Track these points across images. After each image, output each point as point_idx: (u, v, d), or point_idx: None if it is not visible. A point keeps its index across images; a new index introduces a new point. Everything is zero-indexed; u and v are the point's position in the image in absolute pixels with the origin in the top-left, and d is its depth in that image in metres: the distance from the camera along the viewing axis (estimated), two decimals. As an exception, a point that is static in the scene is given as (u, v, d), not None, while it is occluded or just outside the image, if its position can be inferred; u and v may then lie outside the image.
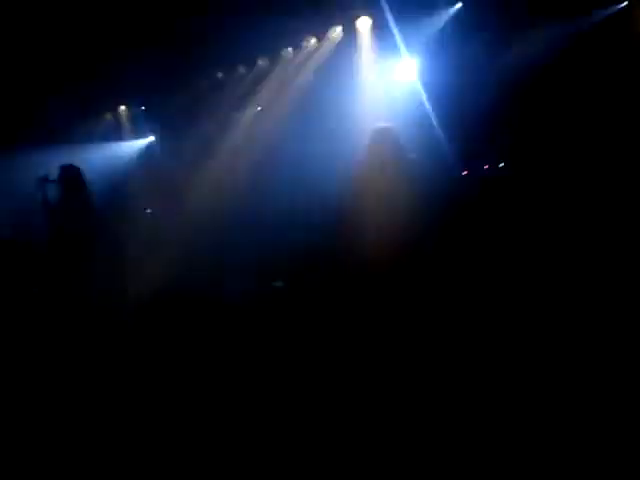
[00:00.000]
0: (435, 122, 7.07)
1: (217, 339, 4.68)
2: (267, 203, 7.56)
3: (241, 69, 8.69)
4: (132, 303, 5.88)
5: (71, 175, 6.98)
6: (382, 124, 5.24)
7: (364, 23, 7.69)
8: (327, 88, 7.74)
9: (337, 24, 7.90)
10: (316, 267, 5.73)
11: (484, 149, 7.16)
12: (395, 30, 7.12)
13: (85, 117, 9.52)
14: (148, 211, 8.49)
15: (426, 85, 7.33)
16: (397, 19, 7.12)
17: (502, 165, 7.02)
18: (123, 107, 9.53)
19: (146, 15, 7.55)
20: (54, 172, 7.10)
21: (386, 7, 7.11)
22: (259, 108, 8.67)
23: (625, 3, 6.62)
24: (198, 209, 7.84)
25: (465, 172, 7.01)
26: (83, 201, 6.79)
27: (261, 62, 8.55)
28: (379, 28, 7.51)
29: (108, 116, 9.66)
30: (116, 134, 9.63)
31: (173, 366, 4.19)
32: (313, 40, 8.15)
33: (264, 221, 7.36)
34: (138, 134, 9.70)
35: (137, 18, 7.57)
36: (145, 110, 9.46)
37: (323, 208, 6.34)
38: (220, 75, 8.87)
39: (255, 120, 8.75)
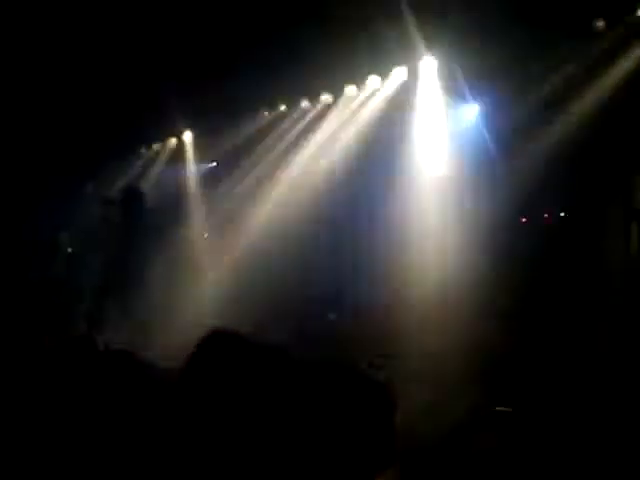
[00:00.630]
0: (499, 170, 6.53)
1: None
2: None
3: (304, 103, 8.45)
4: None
5: (133, 197, 7.23)
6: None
7: (429, 64, 7.24)
8: (388, 131, 7.33)
9: (401, 64, 7.50)
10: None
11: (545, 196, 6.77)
12: (459, 72, 6.65)
13: (150, 140, 9.96)
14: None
15: (491, 131, 6.74)
16: (463, 61, 6.59)
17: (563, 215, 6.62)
18: (188, 132, 9.47)
19: (211, 42, 7.58)
20: (117, 193, 7.41)
21: (453, 48, 6.63)
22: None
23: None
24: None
25: (524, 219, 6.71)
26: (143, 223, 7.03)
27: (325, 97, 8.25)
28: (445, 70, 6.99)
29: (173, 140, 9.74)
30: (180, 158, 9.57)
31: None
32: (376, 79, 7.76)
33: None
34: (202, 159, 9.55)
35: (202, 45, 7.78)
36: (209, 137, 9.23)
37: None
38: (283, 107, 8.67)
39: (310, 163, 8.20)
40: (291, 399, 1.86)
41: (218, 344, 2.11)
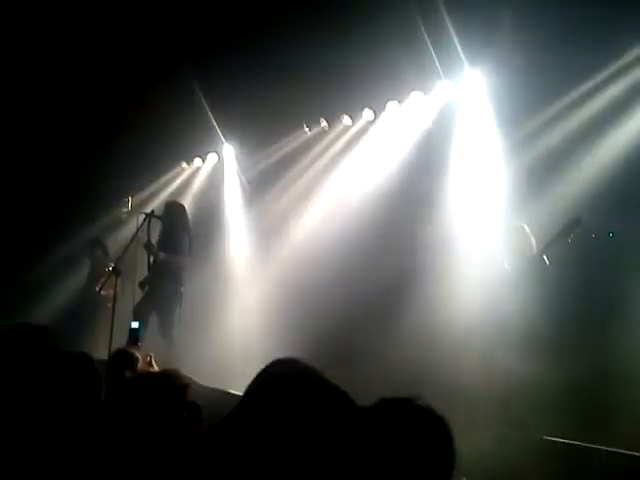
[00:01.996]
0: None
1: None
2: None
3: (346, 119, 8.29)
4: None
5: (174, 212, 7.20)
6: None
7: (474, 79, 6.98)
8: (431, 149, 7.05)
9: (445, 78, 7.19)
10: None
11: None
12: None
13: (191, 155, 9.97)
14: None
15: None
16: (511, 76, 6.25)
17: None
18: (229, 147, 9.39)
19: (252, 57, 7.53)
20: (159, 208, 7.39)
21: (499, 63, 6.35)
22: None
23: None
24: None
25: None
26: (186, 239, 7.00)
27: (366, 113, 8.07)
28: (494, 85, 6.67)
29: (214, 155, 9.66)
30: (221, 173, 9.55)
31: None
32: (419, 94, 7.55)
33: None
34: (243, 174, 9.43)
35: (242, 60, 7.75)
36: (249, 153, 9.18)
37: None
38: (324, 124, 8.55)
39: (352, 180, 7.96)
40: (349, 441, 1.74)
41: (279, 376, 2.01)
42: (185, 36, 7.76)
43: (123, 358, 3.69)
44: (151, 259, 6.88)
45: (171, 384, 2.34)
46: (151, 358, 3.96)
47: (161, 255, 6.84)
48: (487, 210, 6.09)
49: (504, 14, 6.29)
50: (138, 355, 3.79)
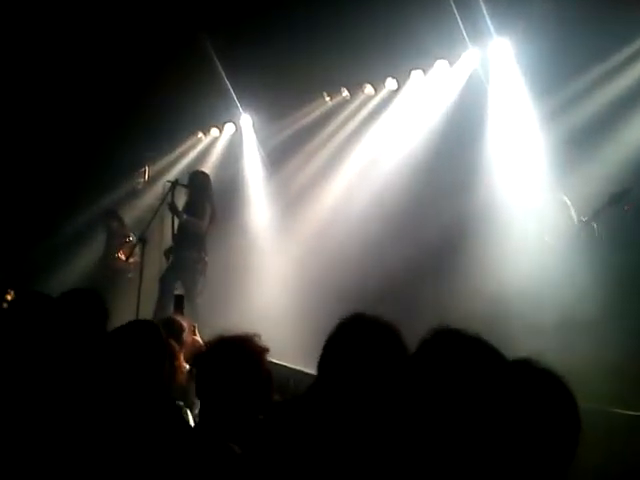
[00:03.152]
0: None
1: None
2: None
3: (368, 89, 8.11)
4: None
5: (199, 181, 7.16)
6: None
7: (502, 47, 6.78)
8: (460, 120, 6.81)
9: (472, 47, 6.99)
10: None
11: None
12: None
13: (208, 125, 9.85)
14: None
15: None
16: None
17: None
18: (247, 116, 9.14)
19: (269, 24, 7.40)
20: (184, 177, 7.33)
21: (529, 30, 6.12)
22: None
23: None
24: None
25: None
26: (210, 207, 6.96)
27: (390, 82, 7.89)
28: (524, 53, 6.47)
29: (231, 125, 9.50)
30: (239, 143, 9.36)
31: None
32: (444, 63, 7.37)
33: None
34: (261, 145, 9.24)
35: (259, 28, 7.54)
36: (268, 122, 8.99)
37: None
38: (345, 94, 8.35)
39: (376, 151, 7.73)
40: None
41: (362, 328, 1.96)
42: (203, 3, 7.61)
43: (171, 326, 3.64)
44: (175, 228, 6.85)
45: (252, 347, 2.28)
46: (194, 327, 3.91)
47: (185, 221, 6.80)
48: (525, 180, 5.99)
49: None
50: (185, 324, 3.75)
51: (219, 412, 2.19)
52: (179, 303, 4.66)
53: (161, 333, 2.56)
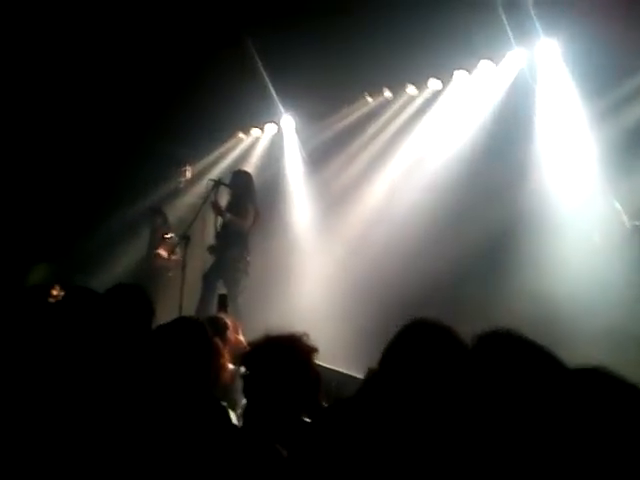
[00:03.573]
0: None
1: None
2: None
3: (410, 89, 8.05)
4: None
5: (242, 180, 7.18)
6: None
7: (549, 47, 6.66)
8: (508, 121, 6.67)
9: (517, 46, 6.86)
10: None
11: None
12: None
13: (249, 125, 9.87)
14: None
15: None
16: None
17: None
18: (288, 116, 9.16)
19: (312, 24, 7.42)
20: (226, 176, 7.36)
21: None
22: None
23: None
24: None
25: None
26: (252, 206, 6.97)
27: (433, 82, 7.83)
28: (573, 53, 6.32)
29: (272, 126, 9.55)
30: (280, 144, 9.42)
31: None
32: (488, 63, 7.29)
33: None
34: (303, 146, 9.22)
35: (302, 27, 7.55)
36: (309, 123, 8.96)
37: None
38: (387, 94, 8.29)
39: (421, 152, 7.61)
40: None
41: (423, 334, 1.93)
42: (246, 3, 7.62)
43: (215, 325, 3.64)
44: (218, 226, 6.88)
45: (301, 347, 2.26)
46: (239, 327, 3.91)
47: (228, 219, 6.82)
48: (575, 182, 5.85)
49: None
50: (229, 322, 3.74)
51: (266, 413, 2.17)
52: (223, 302, 4.67)
53: (207, 331, 2.55)
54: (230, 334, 3.71)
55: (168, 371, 2.42)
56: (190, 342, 2.46)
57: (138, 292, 2.94)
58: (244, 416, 2.40)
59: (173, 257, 7.60)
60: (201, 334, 2.52)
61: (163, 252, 8.32)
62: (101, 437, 2.39)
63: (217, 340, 3.41)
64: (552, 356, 1.64)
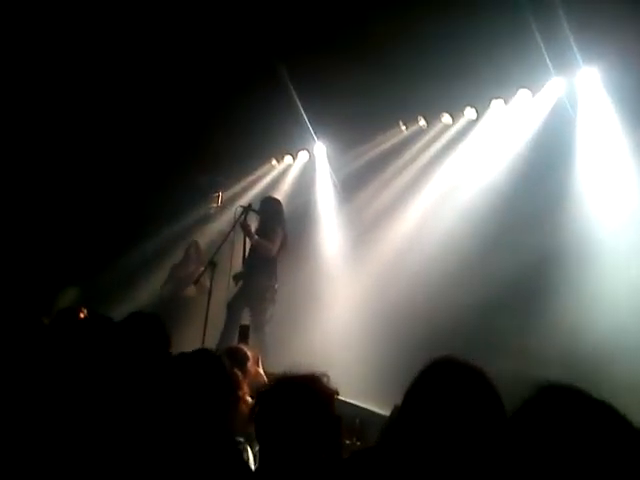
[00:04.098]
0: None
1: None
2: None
3: (446, 118, 7.91)
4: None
5: (271, 206, 7.10)
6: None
7: (590, 75, 6.49)
8: (545, 151, 6.47)
9: (557, 75, 6.75)
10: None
11: None
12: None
13: (281, 153, 9.83)
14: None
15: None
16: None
17: None
18: (321, 144, 9.09)
19: (347, 53, 7.39)
20: (256, 203, 7.29)
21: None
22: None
23: None
24: None
25: None
26: (282, 232, 6.86)
27: (468, 112, 7.69)
28: (615, 81, 6.16)
29: (305, 153, 9.47)
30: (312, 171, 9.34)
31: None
32: (526, 92, 7.13)
33: None
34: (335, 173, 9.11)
35: (336, 57, 7.52)
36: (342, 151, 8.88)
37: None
38: (422, 122, 8.15)
39: (454, 181, 7.47)
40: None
41: (445, 374, 1.76)
42: (280, 31, 7.62)
43: (235, 355, 3.50)
44: (246, 252, 6.78)
45: (320, 390, 2.09)
46: (259, 359, 3.76)
47: (257, 242, 6.71)
48: (618, 214, 5.63)
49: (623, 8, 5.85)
50: (249, 354, 3.60)
51: (280, 458, 2.00)
52: (244, 333, 4.53)
53: (223, 365, 2.40)
54: (250, 366, 3.57)
55: (179, 406, 2.28)
56: (203, 376, 2.32)
57: (153, 321, 2.82)
58: (259, 459, 2.24)
59: (200, 284, 7.51)
60: (216, 368, 2.37)
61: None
62: (105, 463, 2.28)
63: (236, 372, 3.27)
64: (623, 420, 1.41)
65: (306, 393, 2.05)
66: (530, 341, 5.27)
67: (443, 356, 1.80)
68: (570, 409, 1.41)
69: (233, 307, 6.61)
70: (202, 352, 2.47)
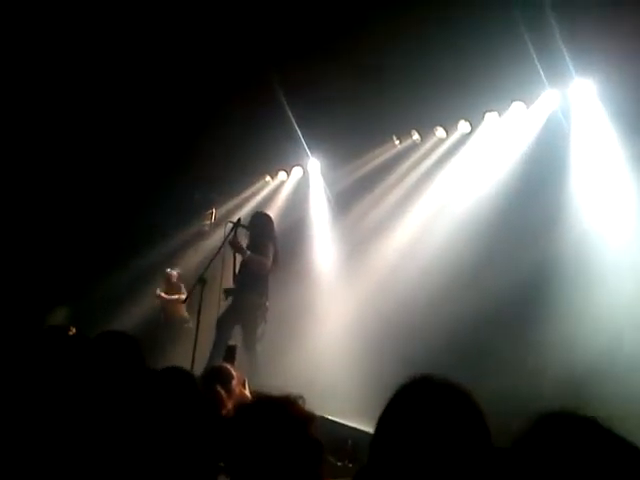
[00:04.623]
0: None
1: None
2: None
3: (439, 131, 7.83)
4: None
5: (261, 222, 6.98)
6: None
7: (584, 87, 6.42)
8: (540, 163, 6.39)
9: (550, 87, 6.68)
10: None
11: None
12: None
13: (275, 168, 9.75)
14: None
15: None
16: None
17: None
18: (315, 160, 9.06)
19: (339, 68, 7.24)
20: (246, 218, 7.18)
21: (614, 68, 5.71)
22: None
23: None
24: None
25: None
26: (272, 247, 6.74)
27: (462, 125, 7.62)
28: (609, 93, 6.10)
29: (299, 169, 9.45)
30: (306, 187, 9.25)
31: None
32: (520, 105, 7.04)
33: None
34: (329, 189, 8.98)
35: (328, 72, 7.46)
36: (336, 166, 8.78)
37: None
38: (415, 137, 8.07)
39: (448, 195, 7.39)
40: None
41: (422, 393, 1.63)
42: (273, 45, 7.57)
43: (219, 374, 3.37)
44: (237, 268, 6.66)
45: (294, 413, 1.94)
46: (245, 381, 3.62)
47: (248, 258, 6.59)
48: (614, 226, 5.52)
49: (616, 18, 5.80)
50: (234, 373, 3.47)
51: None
52: (231, 354, 4.39)
53: (194, 383, 2.27)
54: (235, 386, 3.43)
55: (148, 426, 2.15)
56: (172, 394, 2.18)
57: (124, 339, 2.70)
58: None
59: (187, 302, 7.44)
60: (186, 386, 2.24)
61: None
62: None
63: (220, 390, 3.14)
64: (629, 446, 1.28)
65: (278, 416, 1.90)
66: (525, 356, 5.14)
67: (419, 375, 1.66)
68: (574, 442, 1.29)
69: (223, 326, 6.46)
70: (172, 370, 2.34)
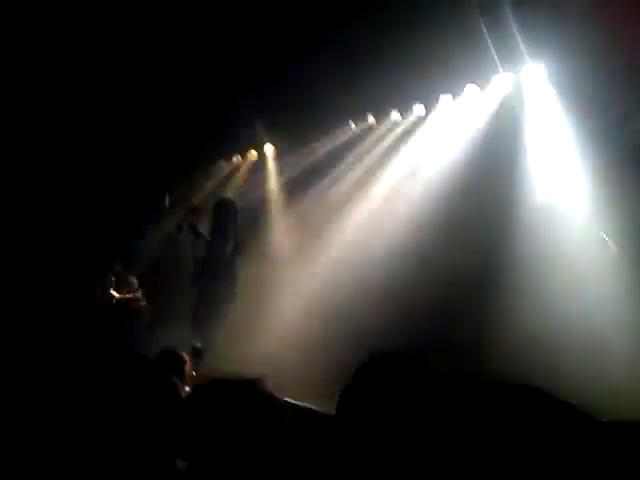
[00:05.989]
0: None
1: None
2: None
3: (394, 115, 7.87)
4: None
5: (224, 208, 6.91)
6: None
7: (536, 71, 6.53)
8: (494, 145, 6.48)
9: (504, 71, 6.76)
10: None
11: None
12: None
13: (229, 152, 9.66)
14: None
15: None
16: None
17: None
18: (269, 144, 9.11)
19: (295, 52, 7.22)
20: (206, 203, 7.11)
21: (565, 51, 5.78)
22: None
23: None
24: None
25: None
26: (233, 235, 6.68)
27: (417, 108, 7.64)
28: (559, 80, 6.21)
29: (253, 152, 9.40)
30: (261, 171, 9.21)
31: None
32: (474, 87, 7.10)
33: None
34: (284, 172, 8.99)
35: (285, 54, 7.35)
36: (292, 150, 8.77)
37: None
38: (371, 120, 8.10)
39: (403, 178, 7.44)
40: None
41: (384, 369, 1.62)
42: (230, 31, 7.49)
43: (170, 360, 3.31)
44: (200, 255, 6.59)
45: (256, 393, 1.90)
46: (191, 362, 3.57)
47: (209, 244, 6.53)
48: (563, 208, 5.64)
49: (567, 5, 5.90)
50: (187, 359, 3.41)
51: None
52: (197, 355, 4.33)
53: (150, 369, 2.22)
54: (188, 369, 3.38)
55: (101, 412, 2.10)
56: (126, 379, 2.13)
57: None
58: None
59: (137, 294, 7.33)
60: (142, 371, 2.18)
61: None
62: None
63: (174, 379, 3.10)
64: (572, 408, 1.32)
65: (237, 396, 1.86)
66: (485, 340, 5.23)
67: (377, 351, 1.66)
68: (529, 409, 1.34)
69: (198, 324, 6.41)
70: (128, 355, 2.28)
